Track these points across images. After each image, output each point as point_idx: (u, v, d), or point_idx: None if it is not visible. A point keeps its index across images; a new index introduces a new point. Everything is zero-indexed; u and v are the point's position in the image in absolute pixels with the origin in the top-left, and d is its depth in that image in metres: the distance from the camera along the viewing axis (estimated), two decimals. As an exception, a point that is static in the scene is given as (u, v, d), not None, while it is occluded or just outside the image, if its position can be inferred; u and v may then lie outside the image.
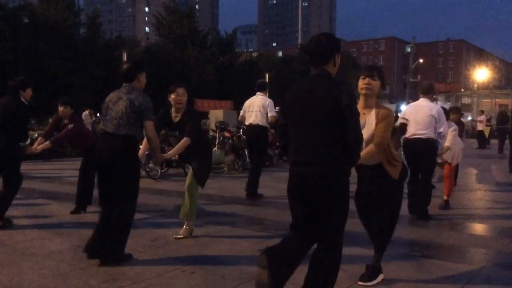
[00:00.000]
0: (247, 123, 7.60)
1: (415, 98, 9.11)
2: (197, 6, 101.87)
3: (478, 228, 5.80)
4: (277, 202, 7.08)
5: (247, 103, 7.60)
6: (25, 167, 11.45)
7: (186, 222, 4.93)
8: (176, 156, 5.05)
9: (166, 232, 5.13)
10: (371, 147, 3.52)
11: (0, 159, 5.35)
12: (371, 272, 3.66)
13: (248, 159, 11.57)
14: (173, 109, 4.85)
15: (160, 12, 43.70)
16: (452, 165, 6.90)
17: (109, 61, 31.84)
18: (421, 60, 53.90)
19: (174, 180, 9.75)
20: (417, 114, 5.82)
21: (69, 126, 6.13)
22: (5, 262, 4.04)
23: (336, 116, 2.82)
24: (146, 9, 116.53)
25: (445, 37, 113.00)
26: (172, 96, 4.77)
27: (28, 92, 5.66)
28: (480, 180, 10.07)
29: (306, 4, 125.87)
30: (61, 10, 33.26)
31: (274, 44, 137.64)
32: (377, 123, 3.53)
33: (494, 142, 20.47)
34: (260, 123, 7.39)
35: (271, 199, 7.29)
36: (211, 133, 13.12)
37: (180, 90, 4.76)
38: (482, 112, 23.80)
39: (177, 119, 4.80)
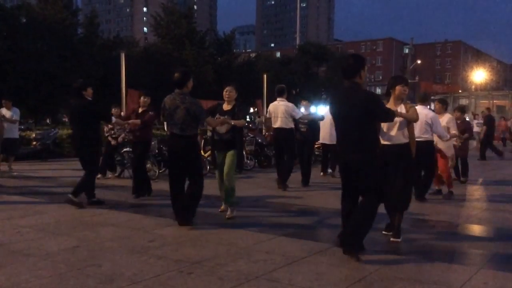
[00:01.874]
0: (274, 126, 8.51)
1: (413, 99, 9.68)
2: (195, 7, 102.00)
3: (475, 229, 5.81)
4: (274, 203, 7.09)
5: (271, 108, 8.56)
6: (22, 167, 11.46)
7: (230, 207, 5.95)
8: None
9: (163, 233, 5.12)
10: (413, 111, 4.81)
11: (81, 154, 6.58)
12: (398, 230, 4.78)
13: (247, 160, 11.65)
14: (225, 102, 6.10)
15: (158, 13, 43.62)
16: (448, 156, 7.68)
17: (107, 61, 31.75)
18: (419, 61, 54.09)
19: (172, 180, 9.73)
20: None
21: (150, 112, 7.52)
22: (2, 263, 4.03)
23: (367, 113, 4.14)
24: (144, 9, 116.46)
25: (443, 38, 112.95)
26: (224, 92, 6.09)
27: (89, 91, 6.69)
28: (479, 181, 10.09)
29: (304, 5, 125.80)
30: (59, 10, 33.15)
31: (272, 45, 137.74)
32: (407, 110, 4.82)
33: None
34: (286, 127, 8.34)
35: (268, 200, 7.30)
36: (208, 133, 13.09)
37: (229, 88, 6.09)
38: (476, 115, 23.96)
39: (228, 108, 6.05)
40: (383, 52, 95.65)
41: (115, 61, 24.36)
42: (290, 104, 8.43)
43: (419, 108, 6.43)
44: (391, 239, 4.80)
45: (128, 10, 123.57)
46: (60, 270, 3.84)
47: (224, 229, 5.35)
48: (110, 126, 9.61)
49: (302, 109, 9.43)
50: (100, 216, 6.01)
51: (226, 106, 6.11)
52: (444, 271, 3.91)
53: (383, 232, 5.05)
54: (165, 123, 7.00)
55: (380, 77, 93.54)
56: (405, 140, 4.77)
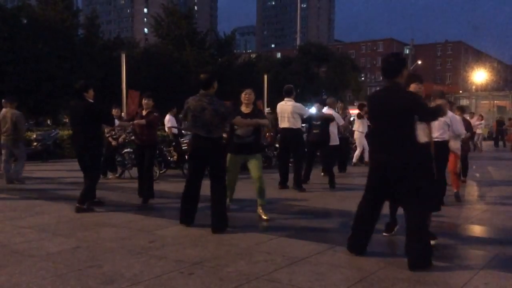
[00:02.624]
0: (281, 127, 8.48)
1: None
2: (195, 7, 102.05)
3: (476, 230, 5.81)
4: (275, 204, 7.08)
5: (278, 108, 8.50)
6: (24, 168, 11.44)
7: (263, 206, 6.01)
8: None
9: (164, 233, 5.12)
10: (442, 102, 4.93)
11: (83, 153, 6.35)
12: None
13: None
14: (243, 105, 6.09)
15: (158, 13, 43.63)
16: (457, 156, 7.54)
17: (107, 62, 31.77)
18: (419, 62, 54.01)
19: (173, 181, 9.74)
20: None
21: (155, 113, 7.31)
22: (3, 263, 4.03)
23: (408, 114, 4.04)
24: (145, 10, 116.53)
25: (443, 39, 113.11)
26: (242, 95, 6.10)
27: (91, 92, 6.51)
28: (478, 182, 10.08)
29: (304, 5, 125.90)
30: (59, 11, 33.16)
31: (273, 46, 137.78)
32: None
33: (488, 143, 20.46)
34: (293, 127, 8.29)
35: (268, 201, 7.29)
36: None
37: (248, 91, 6.15)
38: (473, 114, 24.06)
39: (248, 111, 6.05)
40: (384, 52, 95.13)
41: (116, 62, 24.43)
42: (298, 104, 8.40)
43: None
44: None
45: (128, 11, 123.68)
46: (61, 270, 3.84)
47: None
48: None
49: (313, 109, 9.41)
50: (101, 217, 6.01)
51: (245, 109, 6.07)
52: (445, 272, 3.91)
53: (384, 233, 5.03)
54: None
55: (381, 78, 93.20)
56: (426, 139, 4.69)
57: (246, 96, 6.10)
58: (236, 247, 4.60)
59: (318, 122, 8.88)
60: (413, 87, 4.73)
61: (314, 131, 8.93)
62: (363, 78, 72.24)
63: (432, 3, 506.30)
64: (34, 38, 28.89)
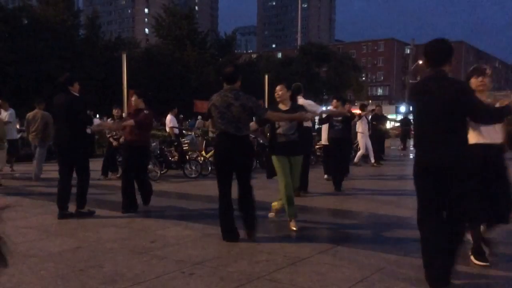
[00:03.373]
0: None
1: None
2: (196, 8, 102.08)
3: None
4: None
5: None
6: (24, 168, 11.45)
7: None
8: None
9: (165, 233, 5.12)
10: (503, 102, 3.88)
11: (68, 152, 5.94)
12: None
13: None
14: (279, 103, 5.74)
15: (159, 14, 43.75)
16: None
17: (108, 62, 31.82)
18: (420, 62, 53.86)
19: (174, 181, 9.75)
20: None
21: (145, 111, 6.56)
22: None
23: (457, 107, 3.36)
24: (146, 10, 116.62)
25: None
26: (276, 94, 5.74)
27: (76, 86, 6.11)
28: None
29: (305, 5, 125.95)
30: (60, 11, 33.25)
31: (274, 46, 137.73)
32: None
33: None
34: (306, 125, 8.01)
35: (269, 201, 7.28)
36: (210, 134, 13.11)
37: (278, 87, 5.73)
38: None
39: (286, 108, 5.64)
40: (385, 52, 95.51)
41: (117, 62, 24.44)
42: (307, 101, 8.04)
43: None
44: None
45: (129, 11, 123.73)
46: (62, 271, 3.85)
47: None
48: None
49: (331, 108, 9.35)
50: (102, 217, 6.01)
51: (283, 106, 5.68)
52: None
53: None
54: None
55: (382, 78, 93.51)
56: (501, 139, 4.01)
57: (276, 94, 5.73)
58: (237, 247, 4.60)
59: (340, 118, 8.74)
60: (473, 82, 4.04)
61: (336, 128, 8.81)
62: (364, 78, 72.16)
63: (433, 2, 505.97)
64: (35, 39, 28.93)
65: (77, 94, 6.10)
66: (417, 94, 3.63)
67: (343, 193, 8.19)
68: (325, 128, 9.65)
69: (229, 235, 4.83)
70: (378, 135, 13.86)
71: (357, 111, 13.94)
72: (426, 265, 3.50)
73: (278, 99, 5.75)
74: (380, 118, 14.61)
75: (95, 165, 10.71)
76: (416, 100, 3.63)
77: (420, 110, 3.57)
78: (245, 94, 4.89)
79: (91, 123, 6.67)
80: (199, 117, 21.19)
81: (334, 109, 9.12)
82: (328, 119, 8.85)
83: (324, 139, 9.98)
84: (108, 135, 10.04)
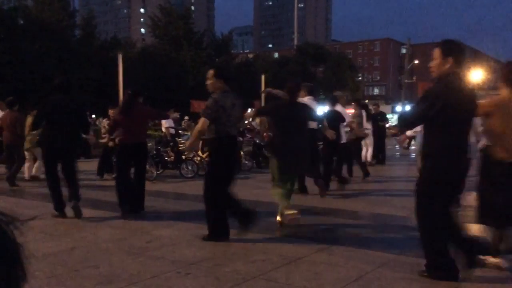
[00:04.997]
0: None
1: (411, 99, 9.26)
2: (192, 7, 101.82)
3: (476, 229, 5.80)
4: (271, 204, 7.07)
5: None
6: (21, 168, 11.39)
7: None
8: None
9: (161, 234, 5.12)
10: None
11: (61, 154, 5.89)
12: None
13: (245, 161, 11.58)
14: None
15: (155, 14, 43.64)
16: None
17: (104, 63, 31.75)
18: (416, 61, 54.01)
19: (170, 181, 9.74)
20: None
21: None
22: (-1, 265, 4.01)
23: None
24: (142, 10, 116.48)
25: (440, 38, 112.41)
26: None
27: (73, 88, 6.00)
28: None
29: (302, 5, 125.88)
30: (56, 11, 33.17)
31: (270, 45, 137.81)
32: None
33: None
34: (309, 127, 7.95)
35: (265, 201, 7.29)
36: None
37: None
38: None
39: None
40: (381, 52, 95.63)
41: (113, 62, 24.37)
42: (306, 99, 7.86)
43: None
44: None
45: (125, 11, 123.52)
46: (57, 271, 3.84)
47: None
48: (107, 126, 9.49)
49: (339, 107, 9.29)
50: (97, 218, 6.00)
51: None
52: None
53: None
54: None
55: (378, 77, 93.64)
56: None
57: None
58: (233, 247, 4.60)
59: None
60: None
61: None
62: (360, 78, 72.18)
63: (429, 2, 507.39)
64: (31, 39, 28.85)
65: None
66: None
67: (339, 193, 8.20)
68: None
69: (222, 235, 4.85)
70: (380, 134, 13.92)
71: (351, 110, 13.92)
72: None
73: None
74: (381, 115, 14.90)
75: (91, 166, 10.69)
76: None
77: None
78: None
79: (88, 130, 6.68)
80: (186, 117, 20.60)
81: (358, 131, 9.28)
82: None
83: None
84: (104, 136, 10.01)
